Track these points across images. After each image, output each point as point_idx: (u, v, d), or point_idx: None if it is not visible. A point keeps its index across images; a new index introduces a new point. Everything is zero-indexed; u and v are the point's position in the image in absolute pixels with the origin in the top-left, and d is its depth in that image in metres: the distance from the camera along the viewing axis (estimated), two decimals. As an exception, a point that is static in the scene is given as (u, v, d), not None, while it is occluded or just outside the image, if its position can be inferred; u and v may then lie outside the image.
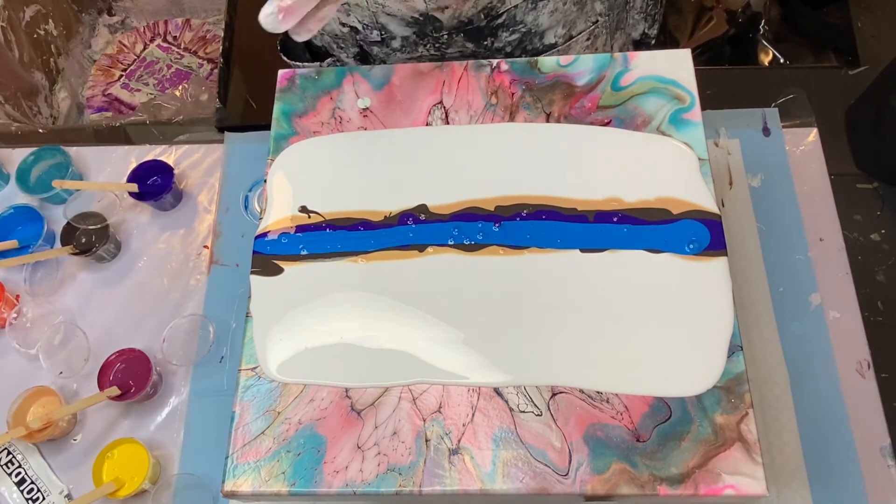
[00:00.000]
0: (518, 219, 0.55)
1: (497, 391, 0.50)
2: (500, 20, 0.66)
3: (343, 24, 0.68)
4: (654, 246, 0.53)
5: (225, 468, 0.50)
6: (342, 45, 0.72)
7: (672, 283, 0.52)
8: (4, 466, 0.70)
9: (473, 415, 0.50)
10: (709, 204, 0.54)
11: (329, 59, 0.74)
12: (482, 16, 0.65)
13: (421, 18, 0.65)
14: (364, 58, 0.72)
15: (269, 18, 0.48)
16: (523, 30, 0.67)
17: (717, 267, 0.52)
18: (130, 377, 0.69)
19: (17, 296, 0.77)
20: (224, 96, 0.99)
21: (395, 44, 0.69)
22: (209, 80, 1.30)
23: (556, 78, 0.60)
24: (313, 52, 0.78)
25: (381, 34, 0.67)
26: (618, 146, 0.57)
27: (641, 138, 0.57)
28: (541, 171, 0.57)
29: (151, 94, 1.33)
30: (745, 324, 0.67)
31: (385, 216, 0.56)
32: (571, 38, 0.71)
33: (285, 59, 0.77)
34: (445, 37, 0.66)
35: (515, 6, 0.65)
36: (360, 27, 0.67)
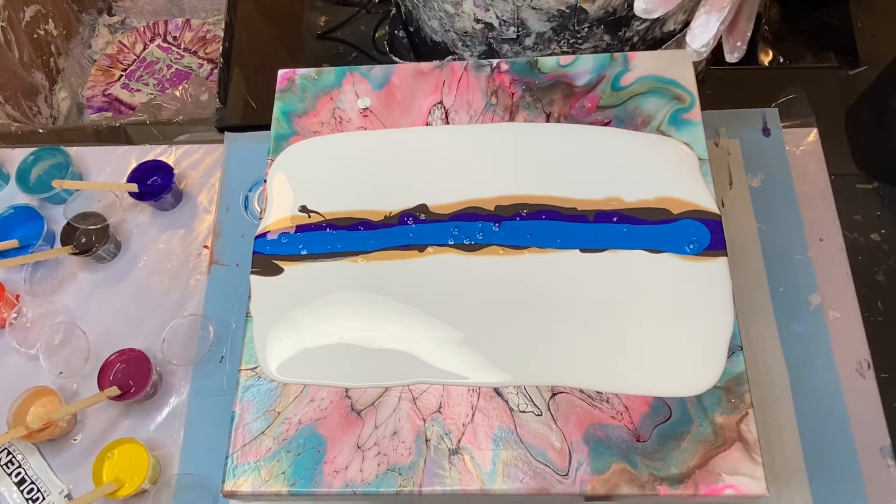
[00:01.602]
0: (518, 218, 0.55)
1: (497, 391, 0.50)
2: None
3: (478, 21, 0.66)
4: (654, 246, 0.53)
5: (225, 468, 0.50)
6: (469, 44, 0.70)
7: (672, 283, 0.52)
8: (4, 466, 0.70)
9: (473, 415, 0.50)
10: (709, 204, 0.54)
11: (449, 57, 0.73)
12: (626, 4, 0.63)
13: (567, 11, 0.63)
14: (490, 57, 0.71)
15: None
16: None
17: (717, 267, 0.52)
18: (130, 377, 0.69)
19: (17, 296, 0.77)
20: (224, 96, 0.99)
21: (529, 41, 0.67)
22: (209, 80, 1.30)
23: (556, 78, 0.60)
24: (417, 50, 0.76)
25: (518, 31, 0.65)
26: (618, 146, 0.57)
27: (641, 138, 0.57)
28: (541, 171, 0.57)
29: (151, 94, 1.33)
30: (745, 324, 0.67)
31: (385, 216, 0.56)
32: (688, 23, 0.70)
33: (391, 56, 0.75)
34: (585, 30, 0.65)
35: None
36: (496, 23, 0.65)
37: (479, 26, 0.67)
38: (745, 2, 0.48)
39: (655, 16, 0.46)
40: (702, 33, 0.46)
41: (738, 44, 0.50)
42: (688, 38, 0.47)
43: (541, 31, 0.66)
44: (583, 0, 0.62)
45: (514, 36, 0.66)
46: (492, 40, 0.69)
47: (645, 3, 0.45)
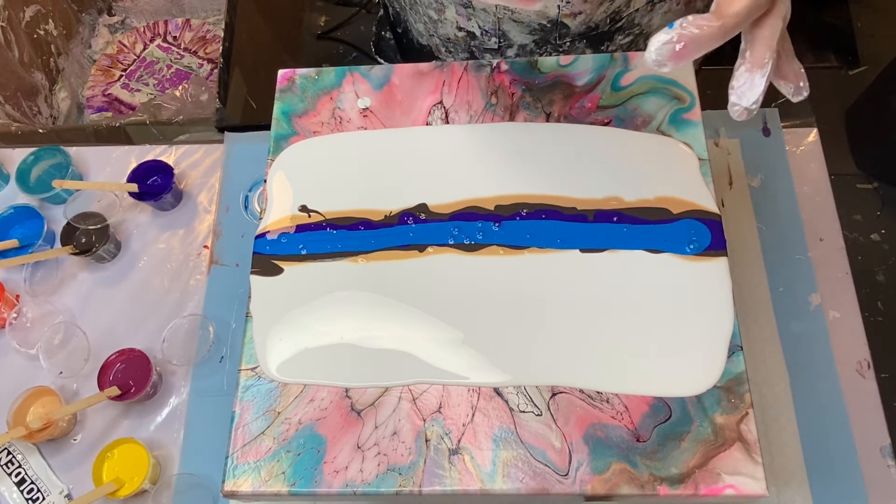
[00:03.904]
0: (518, 218, 0.55)
1: (497, 391, 0.50)
2: (619, 24, 0.64)
3: (460, 29, 0.66)
4: (654, 246, 0.53)
5: (225, 468, 0.50)
6: (451, 50, 0.71)
7: (672, 283, 0.52)
8: (4, 466, 0.70)
9: (473, 415, 0.50)
10: (709, 204, 0.54)
11: (433, 63, 0.73)
12: (608, 20, 0.63)
13: (548, 25, 0.63)
14: None
15: (664, 49, 0.41)
16: (637, 32, 0.66)
17: (717, 267, 0.52)
18: (130, 377, 0.69)
19: (17, 296, 0.77)
20: (224, 96, 0.99)
21: (511, 52, 0.67)
22: (209, 80, 1.30)
23: (556, 78, 0.60)
24: (404, 52, 0.76)
25: (499, 42, 0.65)
26: (618, 146, 0.57)
27: (641, 138, 0.57)
28: (541, 171, 0.57)
29: (151, 94, 1.33)
30: (745, 324, 0.67)
31: (385, 215, 0.56)
32: None
33: (377, 58, 0.75)
34: (567, 44, 0.64)
35: (637, 10, 0.64)
36: (478, 33, 0.65)
37: (461, 34, 0.67)
38: (781, 45, 0.45)
39: (665, 70, 0.43)
40: (749, 91, 0.43)
41: (801, 84, 0.46)
42: (733, 98, 0.44)
43: (522, 43, 0.66)
44: (564, 15, 0.62)
45: (496, 46, 0.66)
46: (474, 49, 0.69)
47: (656, 55, 0.42)
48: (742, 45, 0.44)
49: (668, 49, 0.41)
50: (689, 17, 0.41)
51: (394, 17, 0.77)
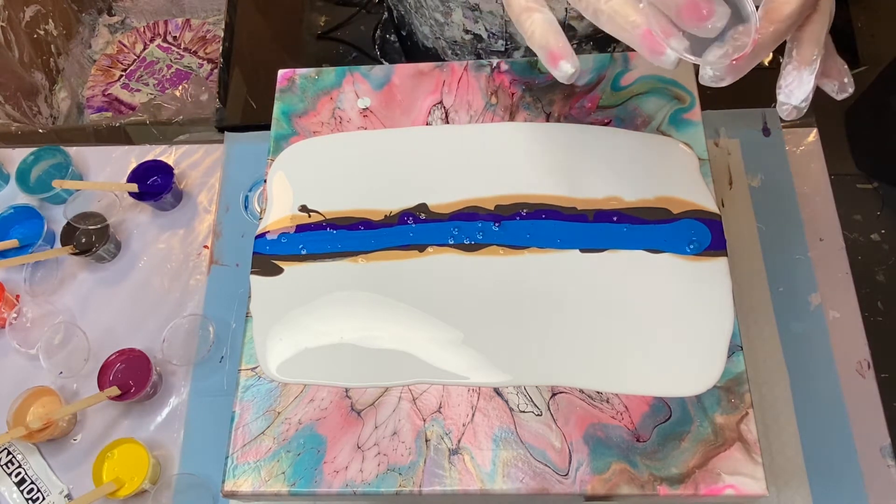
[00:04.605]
0: (518, 218, 0.55)
1: (497, 391, 0.50)
2: None
3: (467, 32, 0.66)
4: (654, 246, 0.53)
5: (225, 468, 0.50)
6: (458, 53, 0.71)
7: (672, 283, 0.52)
8: (4, 466, 0.70)
9: (473, 415, 0.50)
10: (709, 204, 0.54)
11: (434, 63, 0.74)
12: None
13: None
14: None
15: (720, 63, 0.40)
16: None
17: (717, 267, 0.52)
18: (130, 377, 0.69)
19: (17, 296, 0.77)
20: (224, 96, 0.99)
21: (517, 55, 0.67)
22: (209, 80, 1.30)
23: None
24: (409, 55, 0.76)
25: (506, 45, 0.65)
26: (618, 146, 0.57)
27: (641, 138, 0.57)
28: (541, 171, 0.57)
29: (151, 94, 1.33)
30: (745, 324, 0.67)
31: (385, 215, 0.56)
32: None
33: (382, 60, 0.75)
34: (574, 46, 0.64)
35: None
36: (485, 35, 0.65)
37: (468, 37, 0.67)
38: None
39: (724, 84, 0.41)
40: (798, 88, 0.43)
41: (846, 80, 0.46)
42: (781, 97, 0.43)
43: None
44: (571, 17, 0.62)
45: (503, 49, 0.66)
46: (481, 51, 0.69)
47: (713, 71, 0.41)
48: (788, 44, 0.44)
49: (726, 63, 0.40)
50: (741, 27, 0.40)
51: (398, 19, 0.77)
